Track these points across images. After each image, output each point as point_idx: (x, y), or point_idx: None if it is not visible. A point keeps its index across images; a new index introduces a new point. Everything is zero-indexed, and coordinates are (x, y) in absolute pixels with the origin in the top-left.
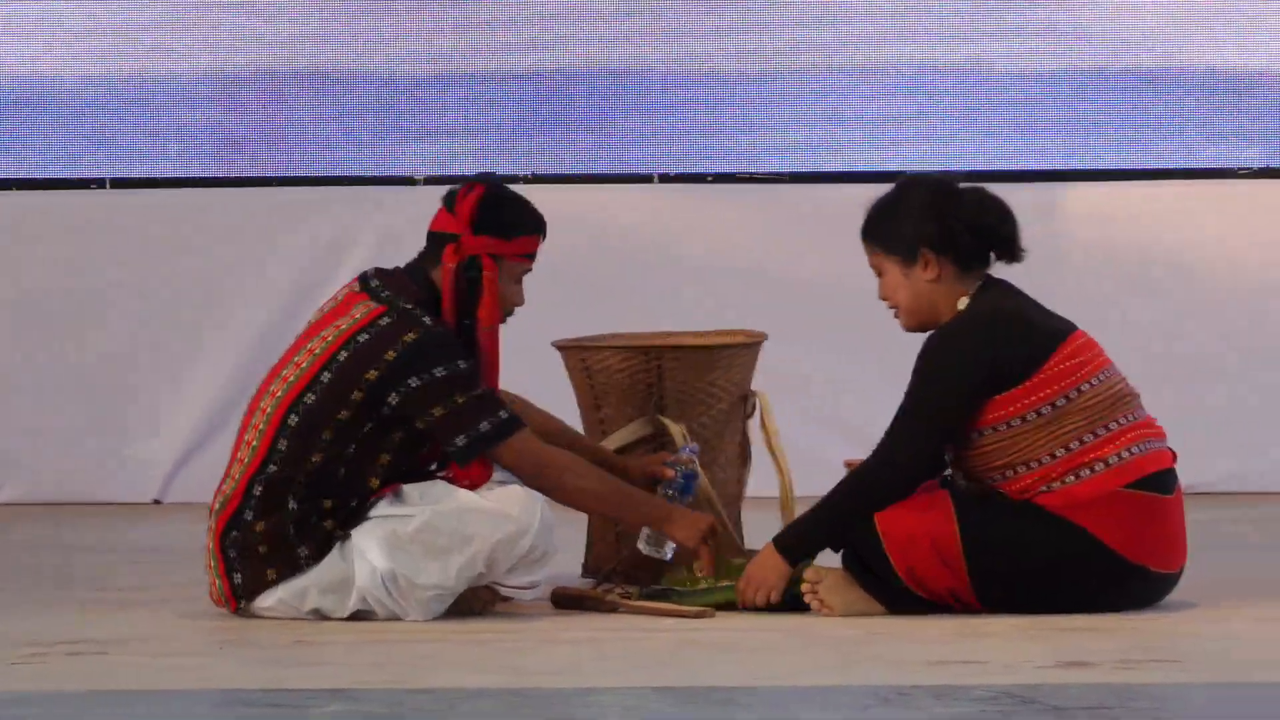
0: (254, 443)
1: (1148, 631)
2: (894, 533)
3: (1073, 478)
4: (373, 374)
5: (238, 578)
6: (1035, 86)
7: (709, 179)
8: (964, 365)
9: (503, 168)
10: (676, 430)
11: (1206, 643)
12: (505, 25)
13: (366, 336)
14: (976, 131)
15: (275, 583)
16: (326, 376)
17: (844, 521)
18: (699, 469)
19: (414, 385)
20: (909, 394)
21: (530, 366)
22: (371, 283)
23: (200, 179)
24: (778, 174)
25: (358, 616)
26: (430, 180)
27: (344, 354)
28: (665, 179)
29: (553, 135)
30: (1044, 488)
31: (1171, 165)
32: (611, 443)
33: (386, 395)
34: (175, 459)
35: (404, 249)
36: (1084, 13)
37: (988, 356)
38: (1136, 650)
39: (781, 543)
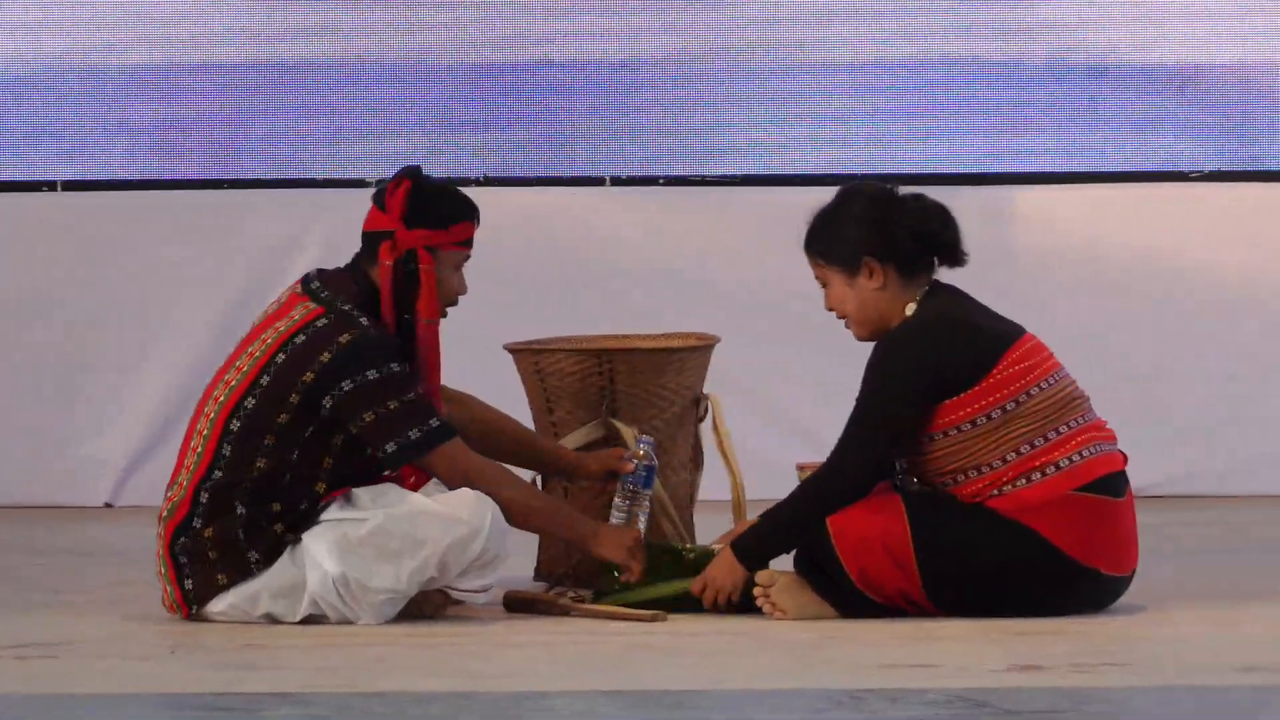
0: (199, 449)
1: (1100, 635)
2: (846, 534)
3: (1024, 481)
4: (308, 376)
5: (188, 584)
6: (986, 88)
7: (660, 181)
8: (909, 372)
9: (455, 169)
10: (628, 433)
11: (1158, 646)
12: (456, 24)
13: (303, 338)
14: (925, 134)
15: (226, 587)
16: (265, 380)
17: (800, 527)
18: (656, 460)
19: (346, 388)
20: (858, 403)
21: (482, 369)
22: (312, 284)
23: (148, 181)
24: (729, 177)
25: (309, 620)
26: (381, 183)
27: (281, 356)
28: (617, 181)
29: (505, 137)
30: (995, 491)
31: (1122, 168)
32: (564, 445)
33: (321, 398)
34: (126, 462)
35: (353, 252)
36: (1039, 10)
37: (932, 362)
38: (1089, 654)
39: (739, 547)
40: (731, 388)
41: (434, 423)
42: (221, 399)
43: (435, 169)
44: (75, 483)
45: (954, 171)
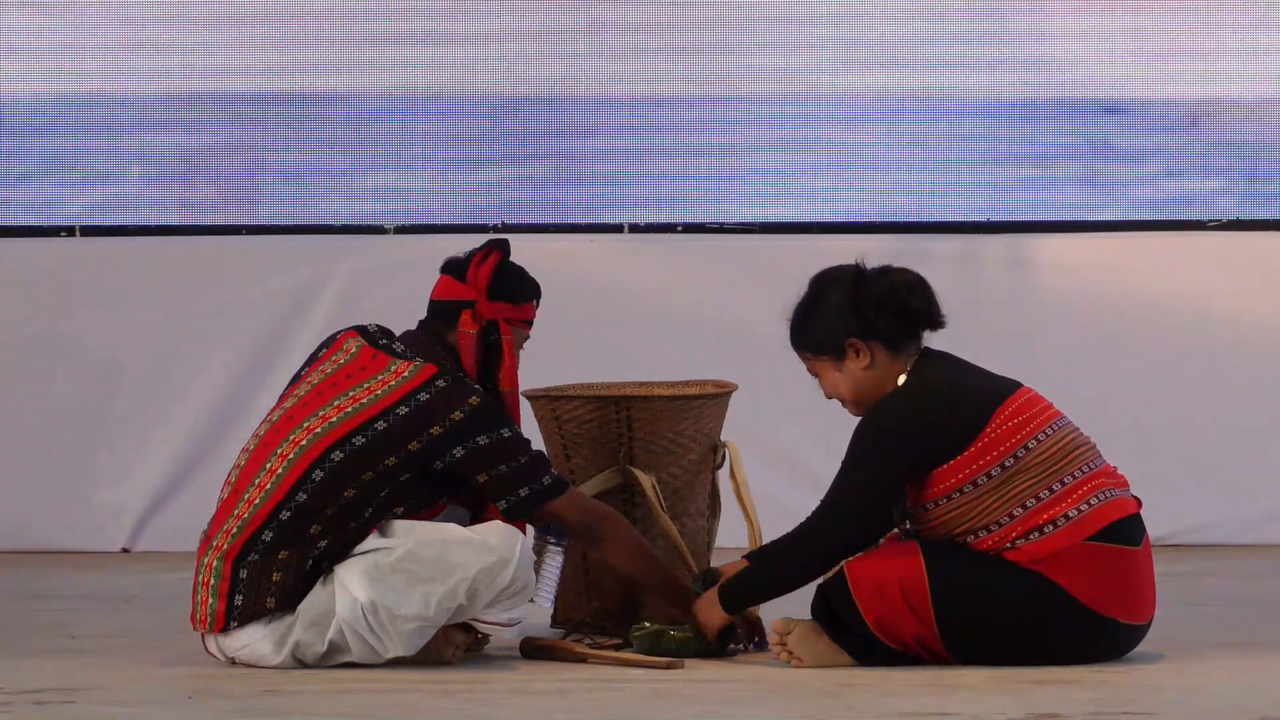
0: (280, 471)
1: (1119, 684)
2: (863, 582)
3: (1036, 534)
4: (415, 445)
5: (239, 599)
6: (1007, 139)
7: (679, 229)
8: (889, 451)
9: (473, 217)
10: (646, 481)
11: (1178, 695)
12: (473, 71)
13: (426, 396)
14: (946, 182)
15: (272, 612)
16: (381, 424)
17: (785, 581)
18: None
19: (458, 455)
20: (840, 475)
21: None
22: (391, 344)
23: (166, 227)
24: (748, 225)
25: (330, 651)
26: (400, 230)
27: (404, 409)
28: (635, 229)
29: (523, 184)
30: (1007, 545)
31: (1142, 217)
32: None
33: (431, 463)
34: (144, 507)
35: (373, 298)
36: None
37: (916, 431)
38: (1108, 703)
39: (725, 592)
40: (749, 435)
41: (546, 480)
42: (319, 430)
43: (453, 217)
44: (93, 528)
45: (976, 219)
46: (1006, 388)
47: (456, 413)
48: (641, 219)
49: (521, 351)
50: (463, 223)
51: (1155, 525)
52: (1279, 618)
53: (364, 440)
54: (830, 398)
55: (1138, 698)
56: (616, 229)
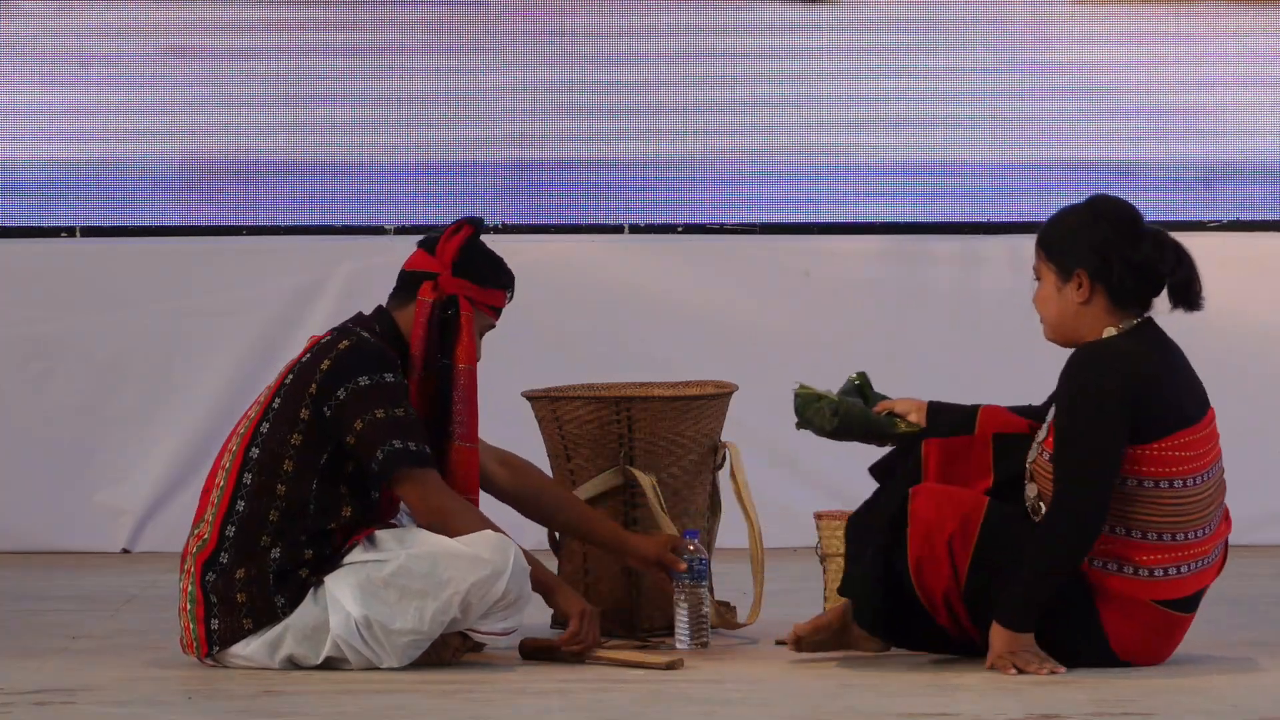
0: (222, 483)
1: (1119, 684)
2: (922, 514)
3: (1114, 565)
4: (313, 388)
5: (215, 624)
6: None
7: (679, 230)
8: (1109, 418)
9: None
10: (646, 482)
11: (1178, 695)
12: (473, 71)
13: (309, 356)
14: (947, 186)
15: (251, 632)
16: (277, 402)
17: (1048, 576)
18: (706, 554)
19: (340, 395)
20: (1065, 448)
21: (500, 416)
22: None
23: (167, 228)
24: (748, 225)
25: (329, 665)
26: (400, 230)
27: (290, 378)
28: (635, 229)
29: (523, 184)
30: (1100, 563)
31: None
32: (582, 493)
33: (324, 408)
34: (144, 508)
35: (373, 298)
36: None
37: (1129, 401)
38: (1109, 704)
39: (1004, 619)
40: (749, 436)
41: (413, 446)
42: (241, 431)
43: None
44: (93, 528)
45: (976, 219)
46: (1203, 402)
47: (325, 362)
48: (641, 219)
49: (481, 343)
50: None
51: None
52: (1279, 618)
53: (268, 425)
54: (1034, 303)
55: (1138, 698)
56: (616, 229)
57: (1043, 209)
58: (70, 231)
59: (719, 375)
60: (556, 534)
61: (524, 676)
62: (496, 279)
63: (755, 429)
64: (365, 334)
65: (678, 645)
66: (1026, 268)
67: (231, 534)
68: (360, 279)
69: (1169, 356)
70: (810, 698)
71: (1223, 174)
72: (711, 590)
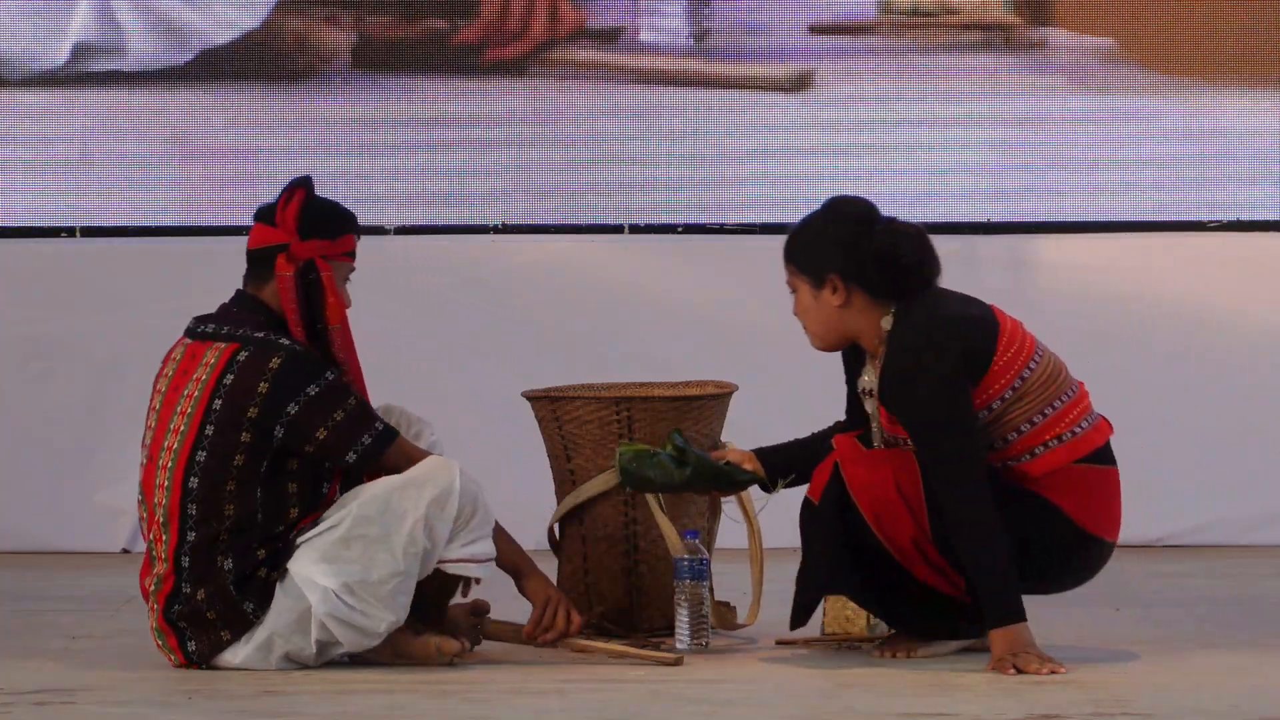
0: (162, 520)
1: (1119, 684)
2: (860, 475)
3: (1027, 457)
4: (253, 412)
5: (192, 645)
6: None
7: (679, 230)
8: (946, 363)
9: (473, 217)
10: None
11: (1178, 695)
12: (473, 72)
13: (232, 377)
14: (944, 185)
15: (232, 642)
16: (210, 430)
17: (992, 556)
18: (706, 553)
19: (292, 411)
20: (925, 437)
21: (499, 417)
22: (204, 328)
23: (167, 228)
24: (748, 225)
25: (329, 664)
26: (400, 230)
27: (218, 402)
28: (635, 229)
29: (522, 184)
30: (999, 465)
31: (1142, 218)
32: (582, 494)
33: (272, 428)
34: None
35: (373, 298)
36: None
37: (958, 351)
38: (1108, 703)
39: (998, 618)
40: (749, 436)
41: (379, 425)
42: (169, 465)
43: (453, 217)
44: (93, 528)
45: (976, 219)
46: (992, 314)
47: (261, 384)
48: (641, 219)
49: (346, 288)
50: (463, 223)
51: (1155, 525)
52: (1279, 618)
53: (204, 454)
54: (796, 316)
55: (1138, 698)
56: (617, 229)
57: (1043, 209)
58: (70, 231)
59: (719, 375)
60: (557, 534)
61: (523, 676)
62: (344, 226)
63: (755, 429)
64: (280, 339)
65: (678, 645)
66: (1027, 268)
67: (187, 564)
68: (360, 278)
69: (945, 300)
70: (809, 698)
71: (1223, 174)
72: (711, 590)
